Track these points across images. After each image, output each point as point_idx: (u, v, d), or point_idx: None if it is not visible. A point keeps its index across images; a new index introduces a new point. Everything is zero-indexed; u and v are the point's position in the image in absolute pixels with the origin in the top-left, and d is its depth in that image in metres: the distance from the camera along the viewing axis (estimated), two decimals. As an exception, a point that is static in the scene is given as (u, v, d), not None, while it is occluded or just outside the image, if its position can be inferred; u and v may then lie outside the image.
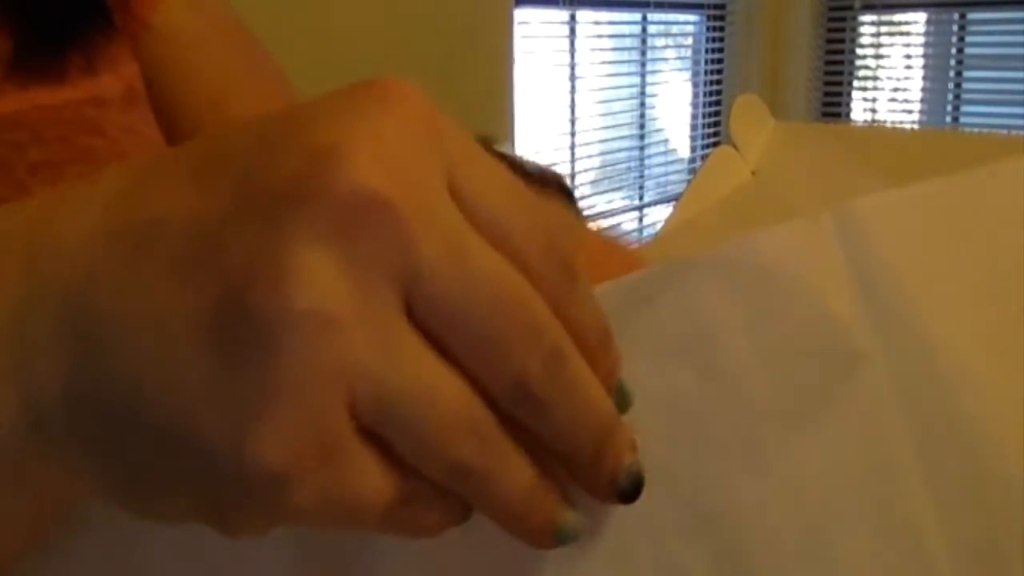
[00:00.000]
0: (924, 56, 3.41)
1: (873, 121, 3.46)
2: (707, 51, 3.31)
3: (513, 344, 0.21)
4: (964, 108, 3.37)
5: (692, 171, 3.29)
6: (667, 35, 3.30)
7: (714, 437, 0.26)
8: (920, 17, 3.40)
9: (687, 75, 3.34)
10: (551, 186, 0.39)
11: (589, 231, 0.41)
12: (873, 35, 3.46)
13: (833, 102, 3.48)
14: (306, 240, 0.20)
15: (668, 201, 3.21)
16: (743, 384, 0.26)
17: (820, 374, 0.26)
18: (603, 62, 2.95)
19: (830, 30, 3.43)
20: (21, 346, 0.21)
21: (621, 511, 0.25)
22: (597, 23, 2.95)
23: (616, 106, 3.03)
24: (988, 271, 0.28)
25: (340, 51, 1.90)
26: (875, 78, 3.47)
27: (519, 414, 0.22)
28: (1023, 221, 0.29)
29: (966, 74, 3.37)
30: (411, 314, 0.21)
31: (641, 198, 3.21)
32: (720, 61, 3.34)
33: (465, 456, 0.21)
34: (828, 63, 3.46)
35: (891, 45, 3.46)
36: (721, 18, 3.31)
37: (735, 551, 0.25)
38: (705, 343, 0.26)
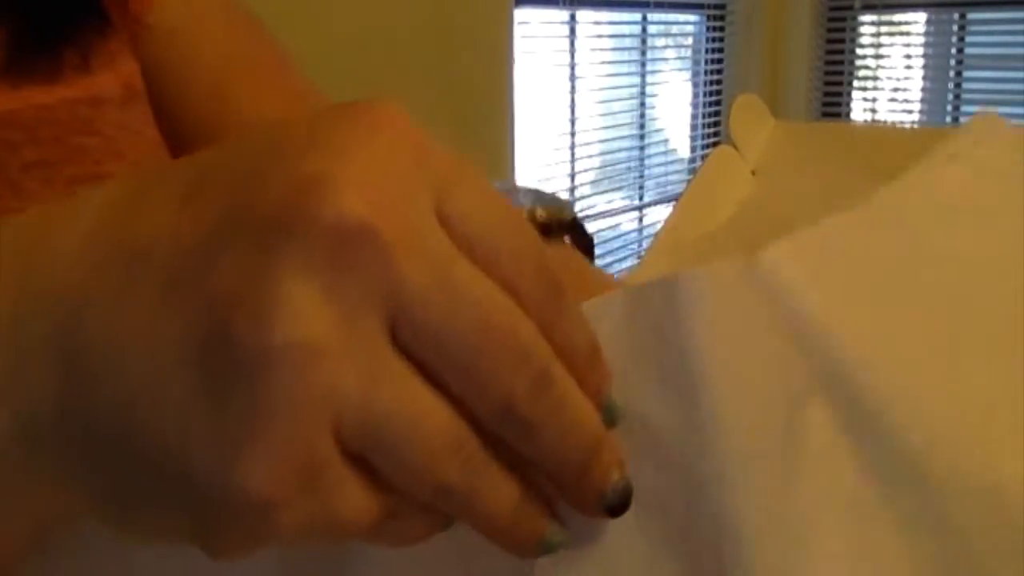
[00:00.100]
0: (924, 56, 3.42)
1: (873, 121, 3.46)
2: (707, 51, 3.32)
3: (499, 369, 0.21)
4: (964, 108, 3.38)
5: (692, 171, 3.29)
6: (667, 35, 3.30)
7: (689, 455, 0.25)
8: (920, 17, 3.40)
9: (687, 75, 3.34)
10: (559, 231, 0.39)
11: (590, 269, 0.41)
12: (873, 35, 3.46)
13: (833, 102, 3.48)
14: (292, 270, 0.20)
15: (668, 201, 3.22)
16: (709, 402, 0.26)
17: (784, 403, 0.26)
18: (603, 62, 2.95)
19: (830, 30, 3.44)
20: (14, 362, 0.22)
21: (610, 523, 0.25)
22: (597, 23, 2.95)
23: (616, 106, 3.04)
24: (906, 288, 0.29)
25: (340, 51, 1.90)
26: (875, 78, 3.48)
27: (506, 435, 0.22)
28: (935, 229, 0.30)
29: (966, 74, 3.38)
30: (397, 339, 0.21)
31: (641, 198, 3.21)
32: (720, 61, 3.34)
33: (450, 478, 0.22)
34: (828, 63, 3.46)
35: (891, 45, 3.46)
36: (721, 18, 3.31)
37: (719, 567, 0.25)
38: (672, 356, 0.26)
